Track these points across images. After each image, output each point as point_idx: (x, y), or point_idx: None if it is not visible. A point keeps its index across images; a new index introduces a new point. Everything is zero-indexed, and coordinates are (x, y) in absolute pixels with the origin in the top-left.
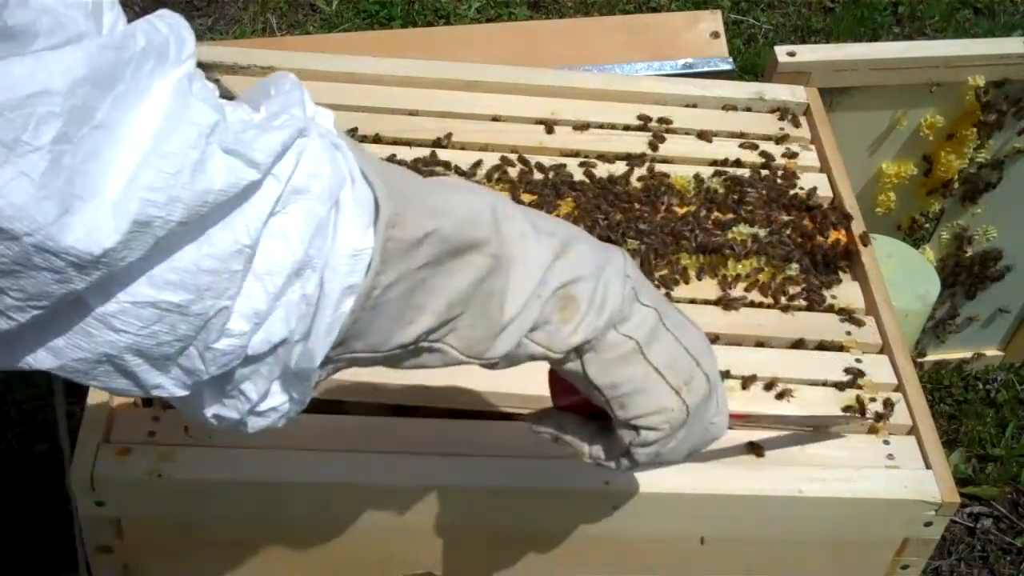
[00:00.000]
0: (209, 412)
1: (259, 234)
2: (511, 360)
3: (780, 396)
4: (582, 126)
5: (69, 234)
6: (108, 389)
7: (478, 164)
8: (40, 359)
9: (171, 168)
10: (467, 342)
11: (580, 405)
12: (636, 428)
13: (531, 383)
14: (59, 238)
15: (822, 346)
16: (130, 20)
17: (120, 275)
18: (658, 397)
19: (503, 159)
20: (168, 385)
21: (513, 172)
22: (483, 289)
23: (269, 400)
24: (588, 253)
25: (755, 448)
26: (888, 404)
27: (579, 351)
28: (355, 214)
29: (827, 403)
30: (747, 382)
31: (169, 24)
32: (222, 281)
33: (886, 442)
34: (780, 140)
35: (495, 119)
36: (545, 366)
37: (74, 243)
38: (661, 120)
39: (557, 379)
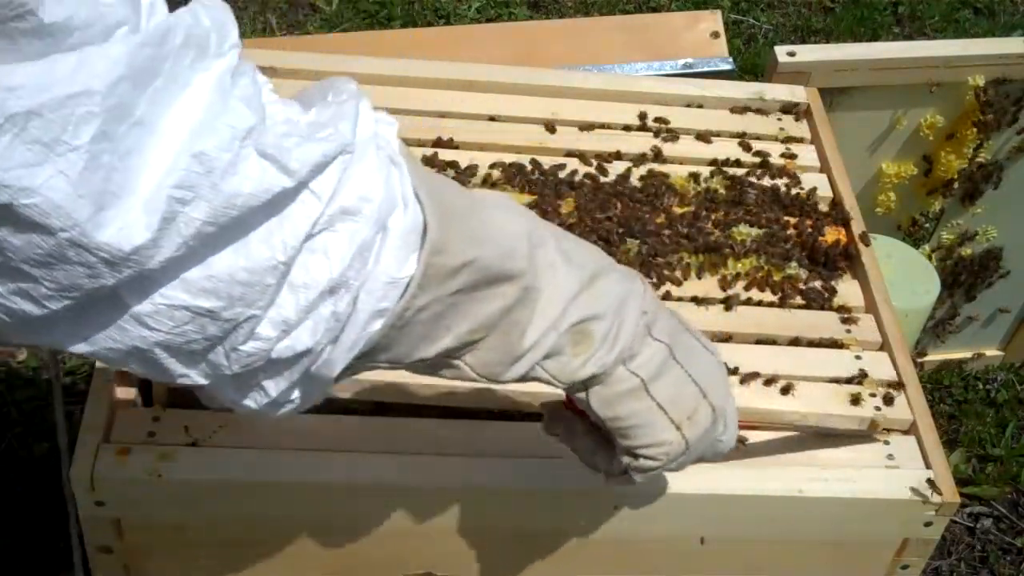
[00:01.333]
0: (227, 399)
1: (296, 252)
2: (520, 381)
3: (785, 391)
4: (582, 126)
5: (103, 231)
6: (136, 373)
7: (477, 165)
8: (76, 345)
9: (201, 168)
10: (483, 363)
11: None
12: (636, 455)
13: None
14: (93, 235)
15: (821, 345)
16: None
17: (158, 276)
18: (658, 432)
19: (503, 160)
20: (193, 376)
21: (513, 172)
22: (509, 318)
23: (286, 395)
24: (611, 286)
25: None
26: (888, 399)
27: (586, 383)
28: (399, 244)
29: (828, 399)
30: (747, 379)
31: (212, 16)
32: (254, 292)
33: (886, 442)
34: (780, 140)
35: (495, 119)
36: None
37: (107, 239)
38: (658, 120)
39: None
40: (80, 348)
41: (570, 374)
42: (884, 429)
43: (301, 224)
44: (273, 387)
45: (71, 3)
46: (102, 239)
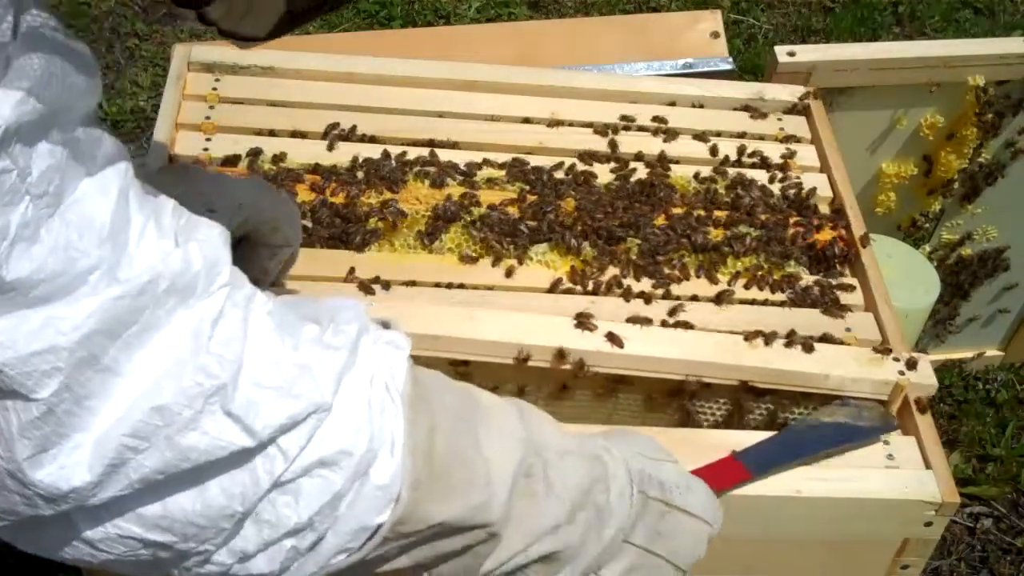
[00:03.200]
0: None
1: (255, 505)
2: None
3: (807, 349)
4: (582, 126)
5: (41, 470)
6: None
7: (477, 165)
8: (30, 547)
9: (159, 420)
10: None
11: None
12: None
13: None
14: (29, 473)
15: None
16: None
17: (110, 507)
18: None
19: (503, 159)
20: None
21: (513, 172)
22: (472, 551)
23: None
24: (599, 511)
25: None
26: (912, 364)
27: None
28: (377, 494)
29: (852, 360)
30: (769, 339)
31: (206, 254)
32: (209, 532)
33: (886, 442)
34: (780, 140)
35: (494, 119)
36: None
37: (44, 478)
38: (656, 119)
39: None
40: (35, 550)
41: None
42: (906, 397)
43: (263, 478)
44: None
45: (40, 255)
46: (37, 477)
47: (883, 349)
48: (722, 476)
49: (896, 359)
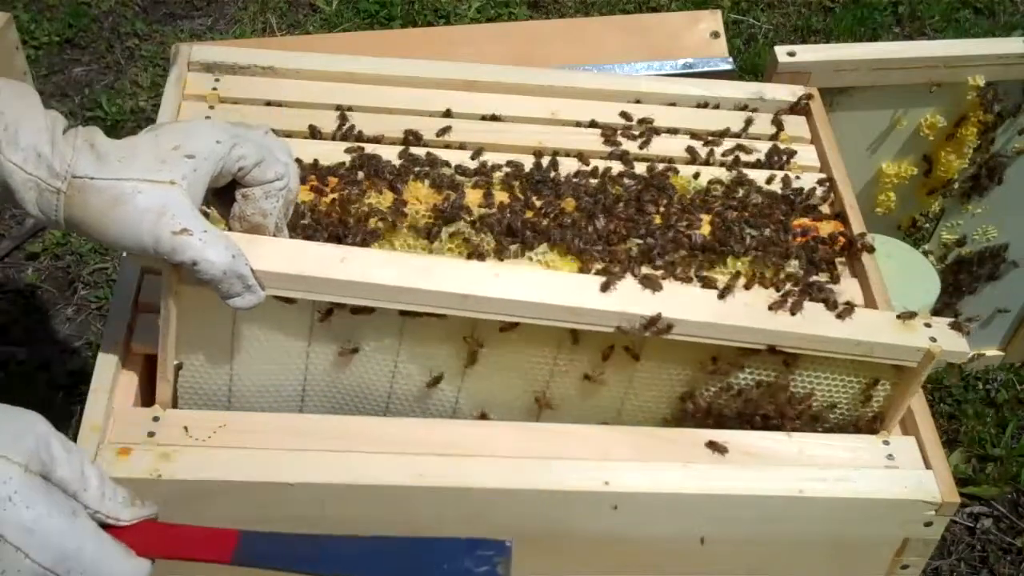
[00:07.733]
0: None
1: None
2: None
3: (840, 315)
4: (582, 125)
5: None
6: None
7: (477, 164)
8: None
9: None
10: None
11: None
12: None
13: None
14: None
15: None
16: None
17: None
18: None
19: (503, 159)
20: None
21: (513, 172)
22: None
23: None
24: None
25: (717, 447)
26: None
27: None
28: None
29: (877, 326)
30: (795, 306)
31: None
32: None
33: (886, 442)
34: (780, 140)
35: (494, 118)
36: None
37: None
38: (642, 121)
39: None
40: None
41: None
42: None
43: None
44: None
45: None
46: None
47: (908, 314)
48: (202, 542)
49: (927, 324)
